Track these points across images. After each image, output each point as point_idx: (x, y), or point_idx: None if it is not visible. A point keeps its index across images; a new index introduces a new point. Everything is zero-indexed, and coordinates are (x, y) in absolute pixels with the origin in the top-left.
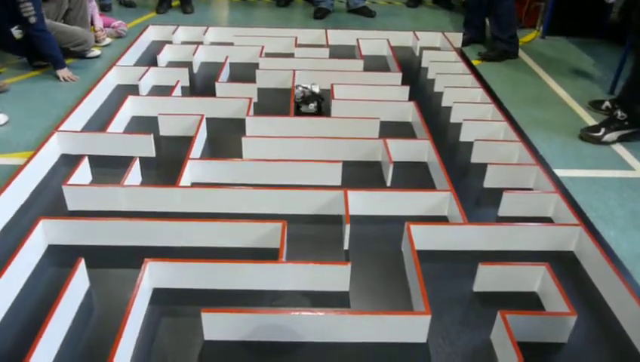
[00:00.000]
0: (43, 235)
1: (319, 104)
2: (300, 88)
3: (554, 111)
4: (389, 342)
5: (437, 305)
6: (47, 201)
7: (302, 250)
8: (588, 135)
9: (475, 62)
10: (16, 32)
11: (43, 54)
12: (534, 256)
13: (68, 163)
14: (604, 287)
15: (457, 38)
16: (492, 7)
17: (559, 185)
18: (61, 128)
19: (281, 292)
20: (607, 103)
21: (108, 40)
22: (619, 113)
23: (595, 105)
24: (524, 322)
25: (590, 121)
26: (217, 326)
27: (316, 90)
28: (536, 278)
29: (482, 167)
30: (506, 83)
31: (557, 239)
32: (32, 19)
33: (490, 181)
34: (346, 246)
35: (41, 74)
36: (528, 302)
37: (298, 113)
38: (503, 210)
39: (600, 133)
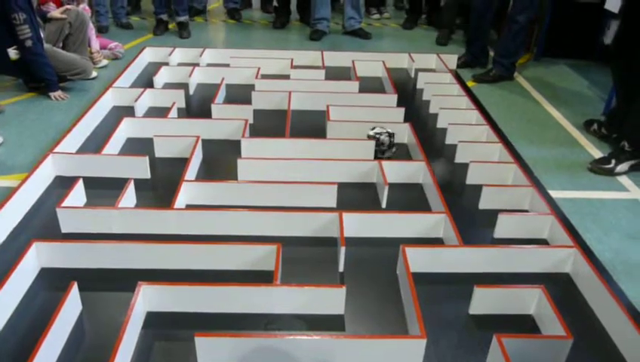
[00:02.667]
0: (36, 258)
1: (393, 147)
2: (377, 135)
3: (548, 133)
4: None
5: (433, 329)
6: (41, 223)
7: (297, 273)
8: (600, 168)
9: (470, 84)
10: (12, 53)
11: (37, 77)
12: (530, 278)
13: (62, 185)
14: (599, 309)
15: (452, 60)
16: (506, 34)
17: (554, 206)
18: (56, 150)
19: (276, 315)
20: (594, 126)
21: (104, 62)
22: (626, 144)
23: (585, 126)
24: (520, 345)
25: (584, 142)
26: (211, 350)
27: (390, 130)
28: (532, 301)
29: (477, 189)
30: (501, 105)
31: (552, 261)
32: (28, 43)
33: (485, 203)
34: (341, 269)
35: (36, 95)
36: (524, 324)
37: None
38: (499, 232)
39: (612, 165)
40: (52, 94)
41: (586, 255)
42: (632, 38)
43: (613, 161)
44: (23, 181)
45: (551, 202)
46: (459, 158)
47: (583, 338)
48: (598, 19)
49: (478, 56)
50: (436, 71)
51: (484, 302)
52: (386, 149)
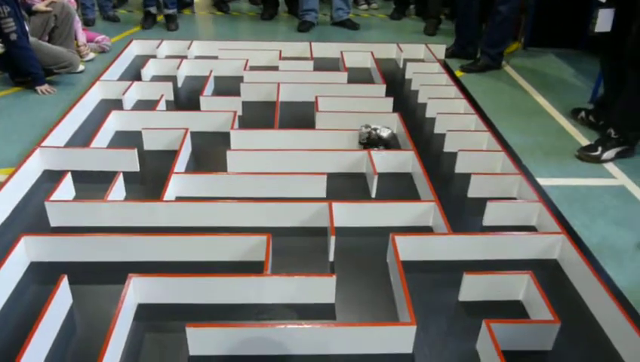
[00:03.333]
0: (25, 252)
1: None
2: (367, 129)
3: (536, 121)
4: (376, 353)
5: (423, 316)
6: (30, 218)
7: (287, 263)
8: (587, 155)
9: (458, 74)
10: None
11: (22, 70)
12: (518, 265)
13: (51, 179)
14: (586, 294)
15: (441, 50)
16: (491, 24)
17: (542, 194)
18: (44, 144)
19: (267, 305)
20: (582, 114)
21: (91, 55)
22: (612, 132)
23: (573, 114)
24: (508, 330)
25: (572, 130)
26: (202, 341)
27: (384, 134)
28: (520, 287)
29: (466, 177)
30: (489, 94)
31: (540, 247)
32: (13, 36)
33: (474, 191)
34: (331, 258)
35: (23, 90)
36: (513, 310)
37: None
38: (487, 220)
39: (598, 153)
40: (39, 88)
41: (574, 241)
42: (623, 26)
43: (600, 149)
44: (11, 175)
45: (539, 189)
46: (447, 147)
47: (571, 322)
48: (586, 8)
49: (465, 47)
50: (424, 61)
51: (473, 288)
52: (364, 143)
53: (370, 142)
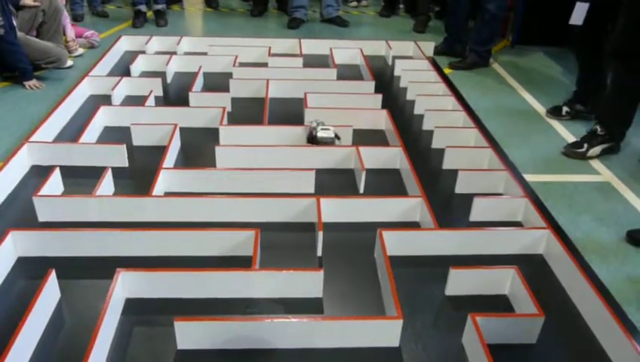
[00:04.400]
0: (12, 247)
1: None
2: (312, 125)
3: (523, 118)
4: (363, 346)
5: (409, 310)
6: (17, 213)
7: (275, 258)
8: (572, 152)
9: (446, 71)
10: None
11: (10, 66)
12: (505, 260)
13: (39, 174)
14: (571, 288)
15: (429, 47)
16: (479, 22)
17: (528, 189)
18: (32, 139)
19: (255, 299)
20: (566, 109)
21: (80, 50)
22: (598, 128)
23: (554, 113)
24: (494, 324)
25: (559, 127)
26: (190, 335)
27: (321, 134)
28: (506, 281)
29: (453, 173)
30: (477, 91)
31: (526, 242)
32: (0, 31)
33: (461, 187)
34: (319, 253)
35: (10, 85)
36: (499, 304)
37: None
38: (474, 215)
39: (584, 149)
40: (27, 83)
41: (559, 236)
42: (600, 17)
43: (585, 145)
44: None
45: (525, 185)
46: (435, 144)
47: (555, 316)
48: (573, 6)
49: (454, 44)
50: (413, 58)
51: (459, 283)
52: (314, 136)
53: (308, 139)
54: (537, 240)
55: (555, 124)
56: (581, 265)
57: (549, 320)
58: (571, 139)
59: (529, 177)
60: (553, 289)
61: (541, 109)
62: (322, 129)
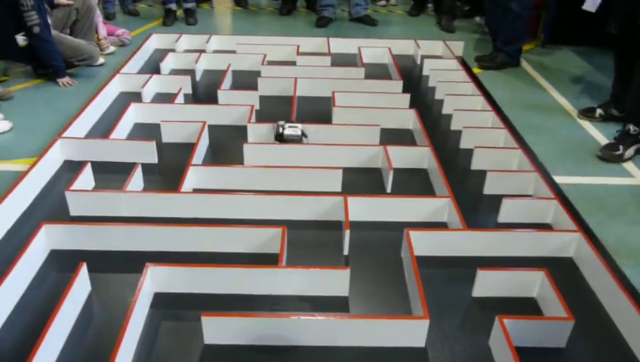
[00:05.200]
0: (45, 240)
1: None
2: (280, 123)
3: (554, 119)
4: (388, 346)
5: (436, 310)
6: (50, 207)
7: (302, 255)
8: (610, 154)
9: (475, 71)
10: (20, 39)
11: (44, 63)
12: (533, 262)
13: (71, 169)
14: (602, 293)
15: (458, 47)
16: (504, 23)
17: (558, 191)
18: (64, 135)
19: (281, 296)
20: (599, 111)
21: (111, 48)
22: (631, 128)
23: (587, 114)
24: (522, 327)
25: (590, 129)
26: (217, 330)
27: (292, 132)
28: (534, 284)
29: (482, 174)
30: (507, 91)
31: (556, 245)
32: (36, 29)
33: (489, 188)
34: (345, 252)
35: (44, 82)
36: (527, 307)
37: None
38: (503, 217)
39: (620, 151)
40: (60, 80)
41: (590, 239)
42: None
43: (621, 147)
44: (33, 165)
45: (555, 187)
46: (464, 144)
47: (585, 320)
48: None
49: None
50: (442, 57)
51: (487, 284)
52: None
53: (276, 137)
54: (567, 243)
55: (587, 125)
56: (613, 269)
57: (578, 325)
58: (604, 141)
59: (559, 179)
60: (583, 294)
61: (572, 110)
62: (290, 127)
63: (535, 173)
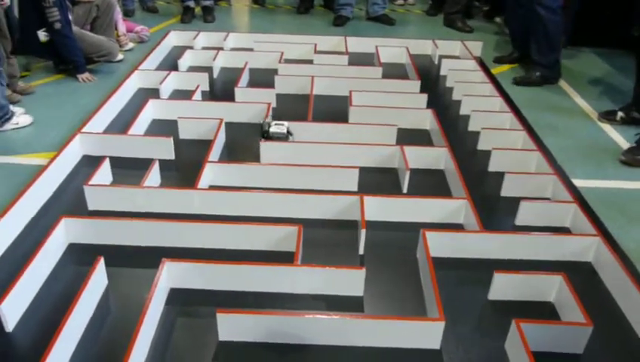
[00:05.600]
0: (64, 234)
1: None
2: (267, 120)
3: (573, 121)
4: (403, 347)
5: (451, 312)
6: (69, 201)
7: (317, 254)
8: (633, 158)
9: (494, 71)
10: (41, 35)
11: (65, 58)
12: (551, 266)
13: (89, 163)
14: (621, 299)
15: (477, 47)
16: (532, 27)
17: (577, 195)
18: (84, 130)
19: (296, 295)
20: (620, 114)
21: (130, 45)
22: None
23: (607, 117)
24: (539, 331)
25: (611, 132)
26: (232, 327)
27: (277, 130)
28: (552, 288)
29: (499, 176)
30: (525, 92)
31: (574, 249)
32: (57, 25)
33: (507, 190)
34: (361, 252)
35: (65, 77)
36: (544, 311)
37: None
38: (520, 219)
39: None
40: (80, 76)
41: (610, 244)
42: None
43: None
44: (52, 159)
45: (574, 190)
46: (481, 145)
47: (604, 326)
48: (629, 6)
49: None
50: (460, 58)
51: (503, 287)
52: (267, 131)
53: (262, 134)
54: (586, 248)
55: (607, 128)
56: (633, 274)
57: (597, 331)
58: (624, 144)
59: (578, 182)
60: (602, 299)
61: (592, 112)
62: (276, 124)
63: (554, 176)
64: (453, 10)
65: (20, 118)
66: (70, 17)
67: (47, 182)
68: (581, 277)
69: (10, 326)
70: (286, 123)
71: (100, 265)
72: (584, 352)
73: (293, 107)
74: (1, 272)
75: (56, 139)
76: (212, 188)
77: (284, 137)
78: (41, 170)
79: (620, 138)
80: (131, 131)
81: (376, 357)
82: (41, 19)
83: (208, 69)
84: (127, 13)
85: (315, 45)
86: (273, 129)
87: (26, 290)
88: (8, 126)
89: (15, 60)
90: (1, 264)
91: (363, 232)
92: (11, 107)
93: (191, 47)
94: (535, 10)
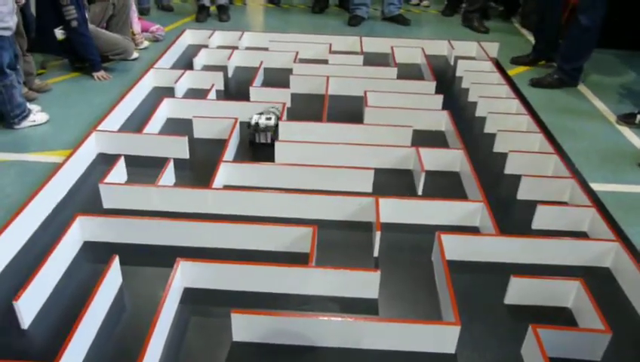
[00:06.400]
0: (79, 231)
1: (272, 138)
2: (258, 117)
3: (591, 124)
4: (417, 351)
5: (467, 316)
6: (84, 199)
7: (331, 256)
8: None
9: (511, 73)
10: (58, 33)
11: (81, 57)
12: (568, 271)
13: (105, 161)
14: None
15: (493, 48)
16: (568, 35)
17: (595, 199)
18: (99, 128)
19: (310, 296)
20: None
21: (145, 43)
22: None
23: (626, 120)
24: (556, 337)
25: (629, 135)
26: (246, 327)
27: (271, 122)
28: (569, 293)
29: (516, 179)
30: (543, 94)
31: (592, 254)
32: (74, 23)
33: (523, 193)
34: (375, 254)
35: (81, 75)
36: (561, 317)
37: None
38: (537, 223)
39: None
40: (95, 74)
41: (629, 250)
42: None
43: None
44: (68, 157)
45: (592, 195)
46: (497, 147)
47: (622, 333)
48: None
49: (547, 53)
50: (476, 59)
51: (520, 292)
52: (253, 132)
53: (260, 129)
54: (605, 253)
55: (626, 131)
56: None
57: (615, 338)
58: None
59: (596, 186)
60: (621, 306)
61: (611, 115)
62: (267, 118)
63: (571, 180)
64: (472, 9)
65: (37, 115)
66: (87, 15)
67: (63, 180)
68: (599, 282)
69: (26, 323)
70: (274, 116)
71: (115, 264)
72: (602, 360)
73: (308, 107)
74: (17, 269)
75: (71, 137)
76: (226, 188)
77: (272, 129)
78: (57, 167)
79: (638, 141)
80: (146, 130)
81: (391, 360)
82: (58, 18)
83: (223, 68)
84: (143, 12)
85: (330, 45)
86: (262, 121)
87: (42, 288)
88: (25, 123)
89: (31, 58)
90: (17, 261)
91: (378, 234)
92: (28, 105)
93: (206, 46)
94: (576, 18)
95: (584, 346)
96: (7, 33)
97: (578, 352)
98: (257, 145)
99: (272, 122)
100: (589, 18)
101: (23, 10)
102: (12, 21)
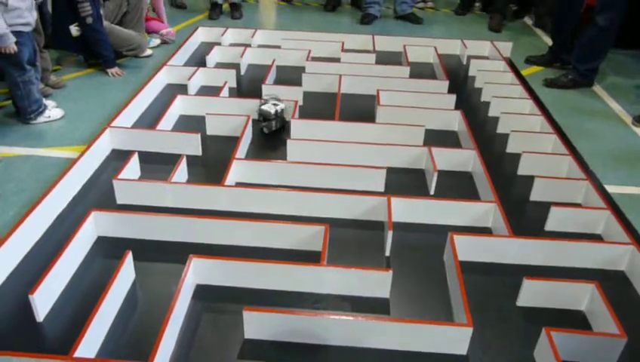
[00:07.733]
0: (93, 227)
1: (282, 125)
2: (264, 103)
3: (606, 125)
4: (428, 352)
5: (479, 318)
6: (98, 194)
7: (343, 254)
8: None
9: (524, 73)
10: (73, 30)
11: (96, 53)
12: (582, 274)
13: (118, 158)
14: None
15: (507, 48)
16: (583, 35)
17: (610, 201)
18: (113, 124)
19: (322, 295)
20: None
21: (157, 41)
22: None
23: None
24: (570, 341)
25: None
26: (258, 325)
27: (279, 108)
28: (584, 296)
29: (529, 180)
30: (557, 95)
31: (607, 257)
32: (89, 20)
33: (536, 194)
34: (387, 253)
35: (95, 71)
36: (574, 320)
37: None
38: (550, 225)
39: None
40: (109, 71)
41: None
42: None
43: None
44: (82, 153)
45: (607, 197)
46: (510, 148)
47: (638, 338)
48: None
49: (561, 54)
50: (489, 58)
51: (533, 294)
52: (260, 119)
53: (266, 116)
54: (620, 256)
55: None
56: None
57: (630, 343)
58: None
59: (611, 188)
60: (636, 310)
61: (626, 117)
62: (273, 104)
63: (585, 181)
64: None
65: (52, 111)
66: (101, 12)
67: (78, 176)
68: (614, 286)
69: (40, 316)
70: (281, 104)
71: (128, 259)
72: None
73: (321, 105)
74: (32, 263)
75: (85, 133)
76: (239, 185)
77: (270, 116)
78: (71, 163)
79: None
80: (159, 126)
81: (402, 360)
82: (73, 14)
83: (236, 66)
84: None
85: (343, 43)
86: (264, 107)
87: (57, 281)
88: (41, 119)
89: (48, 54)
90: (32, 255)
91: (390, 233)
92: (44, 100)
93: (219, 44)
94: (593, 18)
95: (598, 351)
96: (27, 29)
97: (592, 356)
98: (271, 134)
99: (272, 111)
100: (606, 18)
101: (40, 7)
102: (31, 17)
